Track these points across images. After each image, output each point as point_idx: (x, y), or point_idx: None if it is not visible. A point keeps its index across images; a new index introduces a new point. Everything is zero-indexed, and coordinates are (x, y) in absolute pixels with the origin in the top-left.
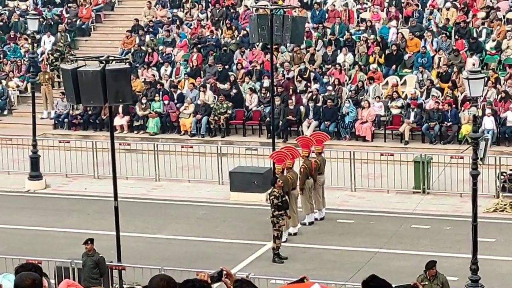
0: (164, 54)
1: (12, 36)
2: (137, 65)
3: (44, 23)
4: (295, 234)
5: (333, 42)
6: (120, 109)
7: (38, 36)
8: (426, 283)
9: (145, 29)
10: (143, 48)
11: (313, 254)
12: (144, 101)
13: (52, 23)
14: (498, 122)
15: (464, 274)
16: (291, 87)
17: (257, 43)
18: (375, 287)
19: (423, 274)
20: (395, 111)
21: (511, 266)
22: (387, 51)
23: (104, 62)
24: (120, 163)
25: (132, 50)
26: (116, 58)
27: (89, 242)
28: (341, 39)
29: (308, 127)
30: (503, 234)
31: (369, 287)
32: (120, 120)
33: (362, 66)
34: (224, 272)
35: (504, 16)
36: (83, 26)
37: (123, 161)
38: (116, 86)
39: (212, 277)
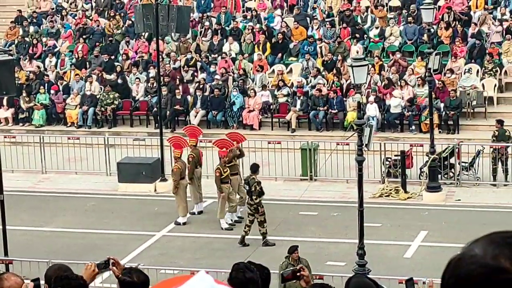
0: (48, 45)
1: None
2: (21, 56)
3: None
4: (184, 223)
5: (218, 31)
6: (4, 102)
7: None
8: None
9: (29, 20)
10: (27, 39)
11: (202, 243)
12: (28, 93)
13: None
14: (382, 109)
15: (351, 259)
16: (178, 77)
17: (143, 33)
18: None
19: (286, 260)
20: (281, 99)
21: (397, 250)
22: (273, 40)
23: None
24: (5, 156)
25: (16, 42)
26: None
27: None
28: (227, 28)
29: (196, 116)
30: (389, 219)
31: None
32: (4, 113)
33: (246, 55)
34: (112, 261)
35: (386, 4)
36: None
37: (8, 154)
38: (0, 78)
39: (99, 264)
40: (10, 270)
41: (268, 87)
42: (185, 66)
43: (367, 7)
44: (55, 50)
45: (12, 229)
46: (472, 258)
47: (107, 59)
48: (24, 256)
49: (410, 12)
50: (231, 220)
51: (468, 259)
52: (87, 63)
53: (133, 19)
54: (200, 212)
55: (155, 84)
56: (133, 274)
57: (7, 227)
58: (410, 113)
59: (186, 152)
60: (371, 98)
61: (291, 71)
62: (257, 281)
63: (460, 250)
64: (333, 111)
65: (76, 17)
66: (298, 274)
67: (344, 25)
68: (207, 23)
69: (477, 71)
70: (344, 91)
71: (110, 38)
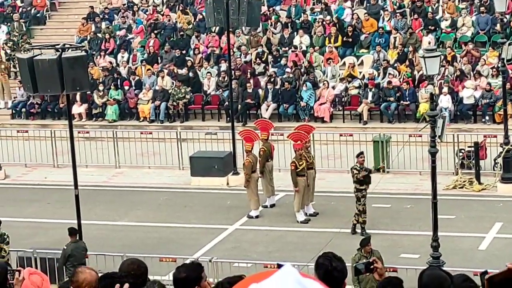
0: (120, 40)
1: None
2: (94, 52)
3: None
4: (257, 217)
5: (289, 24)
6: (78, 97)
7: None
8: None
9: (101, 16)
10: (99, 35)
11: (275, 236)
12: (101, 88)
13: (8, 12)
14: (455, 100)
15: (425, 251)
16: (249, 71)
17: (214, 27)
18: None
19: (358, 252)
20: (353, 92)
21: (472, 242)
22: (343, 33)
23: (60, 50)
24: (80, 151)
25: (88, 38)
26: (72, 45)
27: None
28: (297, 21)
29: (267, 109)
30: (463, 211)
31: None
32: (78, 108)
33: (317, 47)
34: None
35: None
36: (38, 15)
37: (82, 149)
38: (73, 74)
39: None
40: (86, 264)
41: (337, 79)
42: (256, 59)
43: None
44: (127, 46)
45: (87, 224)
46: None
47: (178, 54)
48: (99, 250)
49: (482, 2)
50: (313, 212)
51: None
52: (159, 58)
53: (203, 14)
54: (272, 205)
55: (226, 78)
56: (179, 270)
57: (82, 222)
58: (485, 101)
59: (257, 146)
60: (445, 89)
61: (362, 63)
62: (342, 271)
63: None
64: (405, 103)
65: (147, 13)
66: (371, 267)
67: (416, 16)
68: (273, 17)
69: None
70: (416, 82)
71: (181, 33)
